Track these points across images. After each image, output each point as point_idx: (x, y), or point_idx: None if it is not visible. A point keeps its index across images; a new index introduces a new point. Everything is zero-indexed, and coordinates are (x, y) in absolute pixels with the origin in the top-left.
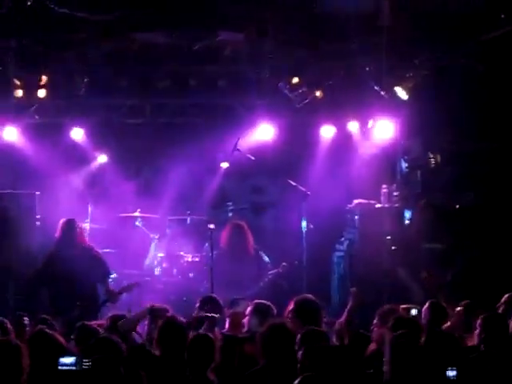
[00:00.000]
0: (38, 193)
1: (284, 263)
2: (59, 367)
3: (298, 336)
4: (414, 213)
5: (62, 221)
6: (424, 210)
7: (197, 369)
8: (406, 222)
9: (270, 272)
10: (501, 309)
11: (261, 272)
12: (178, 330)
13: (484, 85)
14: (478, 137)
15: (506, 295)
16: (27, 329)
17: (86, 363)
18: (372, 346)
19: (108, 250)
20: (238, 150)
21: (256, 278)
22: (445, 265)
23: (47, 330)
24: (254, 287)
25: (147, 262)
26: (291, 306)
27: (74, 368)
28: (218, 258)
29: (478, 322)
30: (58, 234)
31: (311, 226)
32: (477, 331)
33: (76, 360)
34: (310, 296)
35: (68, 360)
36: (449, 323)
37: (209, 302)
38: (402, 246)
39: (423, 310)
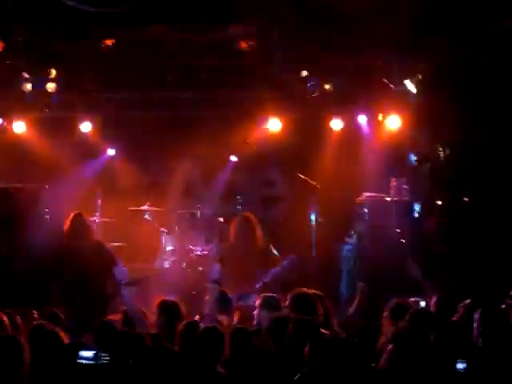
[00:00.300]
0: (46, 186)
1: (292, 255)
2: (78, 360)
3: (290, 326)
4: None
5: (70, 214)
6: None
7: (206, 362)
8: (415, 215)
9: (279, 265)
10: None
11: (269, 265)
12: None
13: (492, 78)
14: (487, 129)
15: None
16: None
17: (105, 357)
18: (382, 339)
19: (117, 244)
20: (248, 143)
21: (265, 270)
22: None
23: (45, 326)
24: (262, 280)
25: (157, 255)
26: (287, 300)
27: (92, 362)
28: (227, 251)
29: (477, 315)
30: (66, 227)
31: (320, 219)
32: (475, 325)
33: (95, 354)
34: (304, 289)
35: (87, 354)
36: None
37: (220, 296)
38: (416, 242)
39: (431, 303)
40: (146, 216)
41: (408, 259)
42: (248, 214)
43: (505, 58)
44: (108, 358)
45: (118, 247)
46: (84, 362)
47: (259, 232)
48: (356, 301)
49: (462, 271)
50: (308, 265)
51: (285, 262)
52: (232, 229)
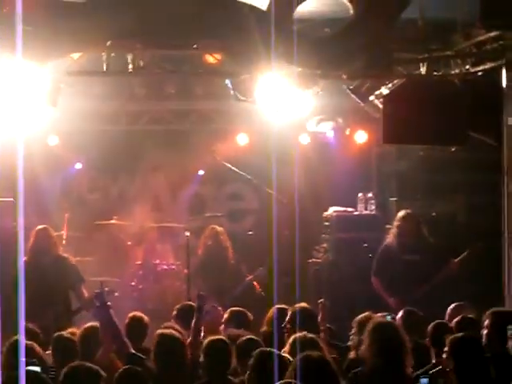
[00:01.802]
0: (13, 200)
1: (260, 267)
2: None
3: (289, 341)
4: (397, 223)
5: (35, 229)
6: (407, 220)
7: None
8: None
9: (248, 278)
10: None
11: (238, 278)
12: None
13: (460, 93)
14: (456, 143)
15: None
16: None
17: (52, 373)
18: (351, 354)
19: (84, 258)
20: (215, 156)
21: (233, 284)
22: (421, 278)
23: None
24: (231, 294)
25: (124, 269)
26: (288, 315)
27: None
28: (196, 265)
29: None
30: (30, 242)
31: (286, 233)
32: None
33: (42, 369)
34: (305, 304)
35: (34, 369)
36: None
37: (186, 311)
38: (382, 255)
39: (398, 317)
40: (113, 230)
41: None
42: (217, 226)
43: (474, 75)
44: (54, 373)
45: (85, 262)
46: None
47: (228, 245)
48: (319, 318)
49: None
50: (274, 279)
51: (254, 276)
52: (201, 242)
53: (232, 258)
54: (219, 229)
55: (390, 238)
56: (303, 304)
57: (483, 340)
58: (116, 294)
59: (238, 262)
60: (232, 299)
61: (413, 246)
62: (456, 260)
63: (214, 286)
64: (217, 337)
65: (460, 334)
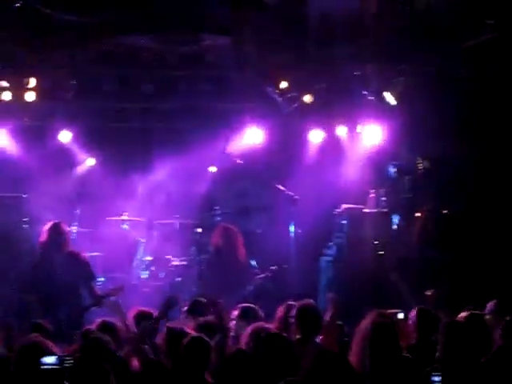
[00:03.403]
0: (25, 196)
1: (273, 267)
2: (41, 367)
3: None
4: (412, 220)
5: (47, 225)
6: (425, 218)
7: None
8: (394, 227)
9: (259, 276)
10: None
11: (249, 276)
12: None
13: (472, 90)
14: (466, 142)
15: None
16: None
17: (68, 361)
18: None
19: (95, 254)
20: (226, 154)
21: (244, 281)
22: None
23: (39, 340)
24: (242, 291)
25: (134, 265)
26: (293, 311)
27: (56, 367)
28: (207, 262)
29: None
30: (43, 237)
31: (299, 231)
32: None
33: (58, 359)
34: (311, 301)
35: (50, 359)
36: None
37: (197, 306)
38: (398, 252)
39: (411, 315)
40: (124, 226)
41: (390, 272)
42: (229, 225)
43: (483, 72)
44: (72, 361)
45: (96, 257)
46: (48, 367)
47: (240, 242)
48: (328, 313)
49: (443, 283)
50: (287, 276)
51: (266, 273)
52: (213, 239)
53: (243, 256)
54: (230, 226)
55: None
56: (308, 300)
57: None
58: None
59: (249, 260)
60: (243, 297)
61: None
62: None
63: (225, 284)
64: (196, 335)
65: None
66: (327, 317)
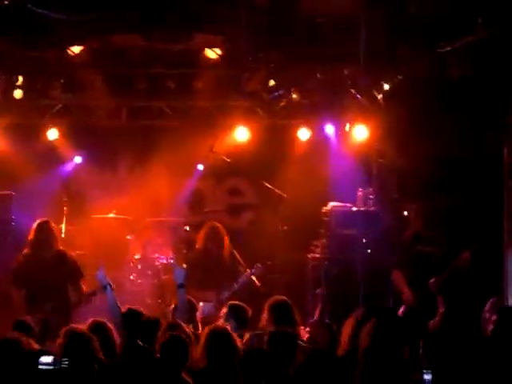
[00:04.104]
0: (13, 193)
1: (258, 264)
2: (38, 366)
3: (266, 337)
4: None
5: (35, 223)
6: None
7: (171, 369)
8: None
9: (245, 274)
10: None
11: (235, 274)
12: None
13: (461, 90)
14: (453, 141)
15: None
16: None
17: (65, 362)
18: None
19: (83, 252)
20: (214, 152)
21: (231, 279)
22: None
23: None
24: (228, 289)
25: (122, 263)
26: (265, 308)
27: (52, 367)
28: (194, 260)
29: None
30: (31, 235)
31: (285, 228)
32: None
33: (54, 359)
34: (282, 297)
35: (47, 359)
36: None
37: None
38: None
39: (399, 312)
40: (112, 224)
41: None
42: (215, 223)
43: (473, 71)
44: (67, 363)
45: (84, 255)
46: (44, 367)
47: (227, 241)
48: (317, 309)
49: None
50: (274, 273)
51: (252, 271)
52: (199, 237)
53: (230, 253)
54: (217, 224)
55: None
56: (280, 297)
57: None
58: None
59: (236, 257)
60: (230, 295)
61: (427, 238)
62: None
63: (212, 282)
64: (174, 333)
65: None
66: (316, 313)
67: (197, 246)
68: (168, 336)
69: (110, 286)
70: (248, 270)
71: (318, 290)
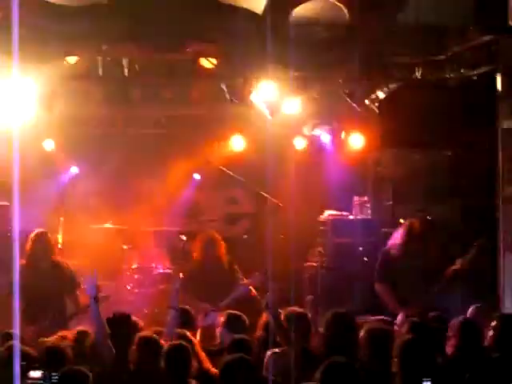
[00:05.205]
0: (8, 204)
1: (256, 273)
2: (27, 381)
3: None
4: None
5: (33, 233)
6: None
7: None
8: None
9: (243, 282)
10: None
11: (234, 282)
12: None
13: (455, 97)
14: (449, 149)
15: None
16: None
17: (55, 377)
18: None
19: (80, 262)
20: (210, 161)
21: (229, 288)
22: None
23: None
24: (226, 298)
25: (120, 273)
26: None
27: (41, 382)
28: (191, 270)
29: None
30: (28, 246)
31: (282, 237)
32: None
33: (44, 374)
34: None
35: (36, 374)
36: None
37: (181, 314)
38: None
39: (398, 322)
40: (109, 234)
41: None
42: (212, 231)
43: (469, 78)
44: (57, 378)
45: (81, 265)
46: (32, 382)
47: (224, 250)
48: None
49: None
50: (270, 282)
51: (251, 280)
52: (196, 247)
53: (227, 262)
54: (214, 234)
55: (393, 242)
56: (296, 308)
57: (488, 342)
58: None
59: (234, 266)
60: (227, 304)
61: (416, 251)
62: (462, 259)
63: (210, 291)
64: (176, 341)
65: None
66: None
67: (194, 256)
68: (170, 346)
69: (95, 298)
70: (245, 280)
71: (308, 298)
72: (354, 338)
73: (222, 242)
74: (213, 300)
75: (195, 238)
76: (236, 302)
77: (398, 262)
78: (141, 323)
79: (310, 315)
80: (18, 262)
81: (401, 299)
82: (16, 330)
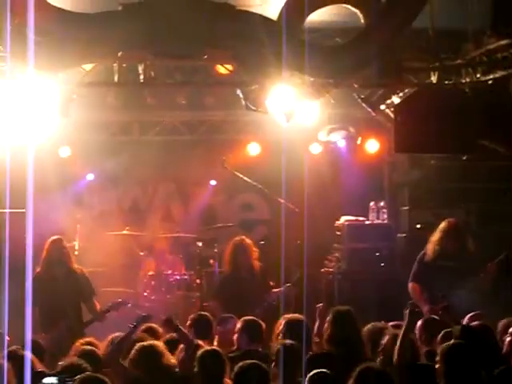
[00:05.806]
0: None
1: (288, 284)
2: None
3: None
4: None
5: (48, 240)
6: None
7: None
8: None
9: (275, 292)
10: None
11: (265, 292)
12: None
13: (471, 102)
14: (466, 153)
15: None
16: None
17: (69, 382)
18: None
19: (96, 269)
20: (226, 167)
21: (260, 299)
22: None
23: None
24: (259, 307)
25: (137, 280)
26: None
27: None
28: (224, 278)
29: None
30: (44, 253)
31: (298, 243)
32: None
33: (58, 380)
34: (297, 315)
35: (50, 381)
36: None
37: (200, 321)
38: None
39: (417, 327)
40: (125, 240)
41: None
42: (243, 237)
43: (485, 83)
44: (71, 383)
45: (97, 272)
46: None
47: (256, 257)
48: (316, 323)
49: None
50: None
51: (283, 291)
52: (227, 253)
53: (259, 270)
54: (245, 240)
55: (430, 245)
56: (296, 315)
57: (506, 347)
58: (129, 304)
59: (267, 271)
60: (261, 311)
61: (452, 254)
62: (492, 263)
63: (240, 302)
64: (209, 348)
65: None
66: (314, 329)
67: (226, 263)
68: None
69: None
70: (276, 289)
71: (319, 305)
72: (356, 335)
73: (255, 249)
74: (243, 311)
75: (211, 244)
76: (266, 310)
77: (435, 262)
78: (159, 330)
79: (317, 323)
80: (30, 269)
81: (437, 299)
82: (29, 337)
